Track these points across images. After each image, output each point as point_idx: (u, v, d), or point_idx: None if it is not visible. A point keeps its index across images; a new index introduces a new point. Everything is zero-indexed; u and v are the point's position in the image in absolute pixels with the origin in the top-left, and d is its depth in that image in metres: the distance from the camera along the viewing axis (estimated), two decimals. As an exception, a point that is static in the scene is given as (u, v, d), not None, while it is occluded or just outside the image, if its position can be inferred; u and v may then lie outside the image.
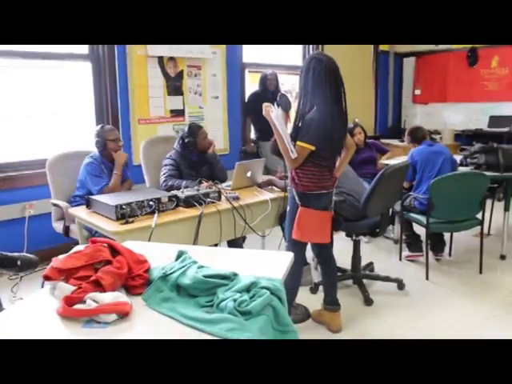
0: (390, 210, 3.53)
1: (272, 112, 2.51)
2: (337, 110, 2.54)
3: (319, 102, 2.51)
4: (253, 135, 5.40)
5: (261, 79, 5.12)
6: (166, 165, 3.41)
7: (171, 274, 1.39)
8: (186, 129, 3.49)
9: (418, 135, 3.98)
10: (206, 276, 1.35)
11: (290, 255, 1.69)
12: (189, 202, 2.77)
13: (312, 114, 2.53)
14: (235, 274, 1.39)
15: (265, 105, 2.56)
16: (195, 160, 3.49)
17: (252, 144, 5.30)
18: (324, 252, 2.89)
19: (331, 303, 2.90)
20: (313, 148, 2.50)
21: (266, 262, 1.65)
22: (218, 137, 5.10)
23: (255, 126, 5.29)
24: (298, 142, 2.52)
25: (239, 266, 1.48)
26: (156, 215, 2.55)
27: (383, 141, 6.41)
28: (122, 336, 1.17)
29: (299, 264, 2.79)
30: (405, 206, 3.80)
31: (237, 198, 2.99)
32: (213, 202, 2.85)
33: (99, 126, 3.37)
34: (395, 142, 6.73)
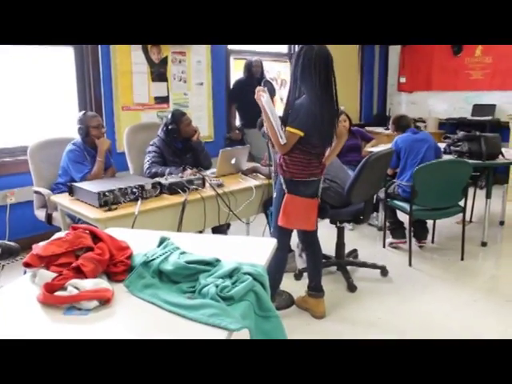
0: (374, 197, 3.55)
1: (263, 97, 2.51)
2: (326, 98, 2.53)
3: (308, 89, 2.50)
4: (238, 122, 5.37)
5: (246, 66, 5.07)
6: (149, 152, 3.39)
7: (153, 260, 1.39)
8: (170, 116, 3.46)
9: (402, 123, 4.00)
10: (188, 262, 1.35)
11: (274, 241, 1.70)
12: (172, 189, 2.76)
13: (301, 100, 2.52)
14: (218, 260, 1.39)
15: (258, 88, 2.55)
16: (179, 147, 3.46)
17: (237, 131, 5.27)
18: (309, 238, 2.90)
19: (315, 289, 2.92)
20: (302, 134, 2.50)
21: (249, 248, 1.65)
22: (203, 124, 5.06)
23: (240, 113, 5.26)
24: (288, 128, 2.52)
25: (223, 253, 1.48)
26: (139, 202, 2.54)
27: (368, 129, 6.43)
28: (103, 323, 1.17)
29: (284, 250, 2.80)
30: (388, 193, 3.82)
31: (221, 185, 2.98)
32: (197, 189, 2.84)
33: (81, 113, 3.33)
34: (380, 129, 6.77)
